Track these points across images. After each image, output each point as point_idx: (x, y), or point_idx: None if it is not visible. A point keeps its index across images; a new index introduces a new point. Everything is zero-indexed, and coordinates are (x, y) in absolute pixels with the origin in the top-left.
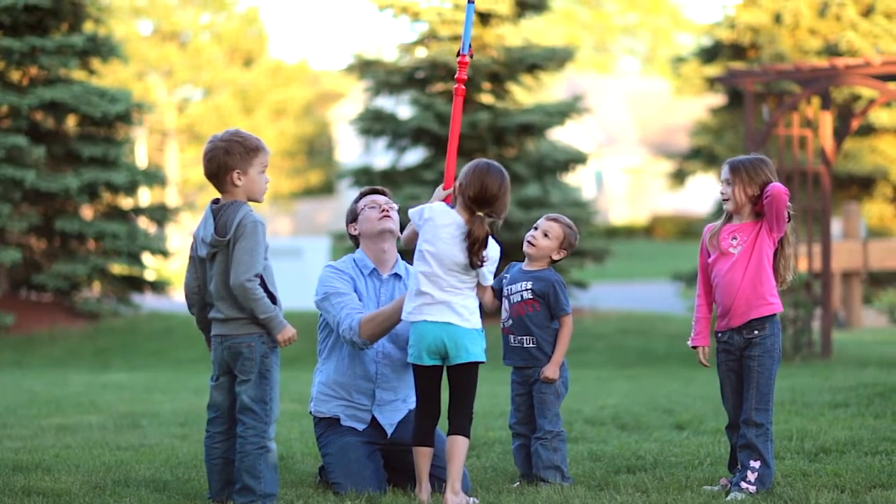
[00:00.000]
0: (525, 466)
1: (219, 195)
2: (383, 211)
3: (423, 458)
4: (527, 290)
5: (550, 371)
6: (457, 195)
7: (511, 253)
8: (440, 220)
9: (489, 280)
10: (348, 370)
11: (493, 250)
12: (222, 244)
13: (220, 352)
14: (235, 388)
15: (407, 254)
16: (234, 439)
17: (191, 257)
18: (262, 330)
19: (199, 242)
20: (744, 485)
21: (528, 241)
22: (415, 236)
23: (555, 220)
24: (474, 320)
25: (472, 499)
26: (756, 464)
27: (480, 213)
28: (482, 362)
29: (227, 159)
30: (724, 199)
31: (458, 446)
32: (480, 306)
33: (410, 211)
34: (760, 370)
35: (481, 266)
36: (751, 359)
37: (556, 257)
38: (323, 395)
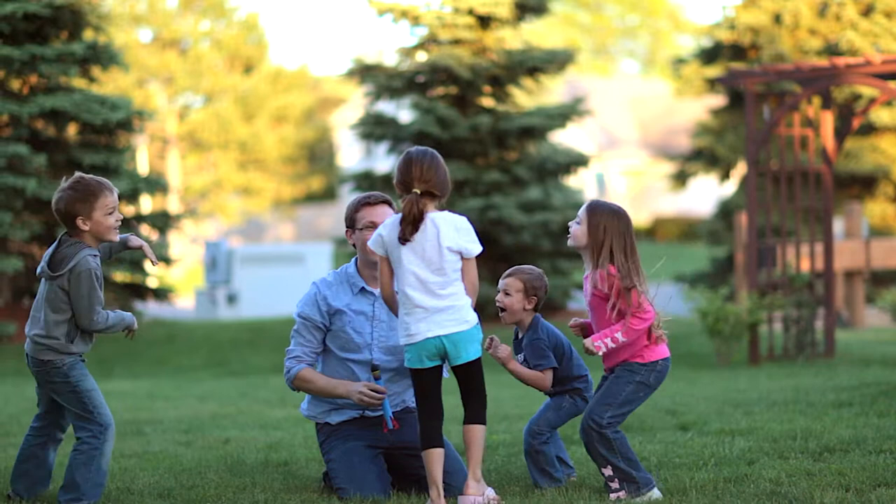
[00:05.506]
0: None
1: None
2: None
3: (434, 460)
4: (523, 361)
5: (510, 363)
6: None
7: (514, 256)
8: (391, 224)
9: (473, 252)
10: (339, 378)
11: (450, 220)
12: (51, 277)
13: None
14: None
15: None
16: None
17: None
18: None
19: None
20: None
21: (500, 308)
22: (390, 270)
23: (509, 275)
24: (471, 317)
25: (489, 489)
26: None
27: (417, 191)
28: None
29: (69, 207)
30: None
31: (476, 434)
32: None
33: (369, 244)
34: (614, 382)
35: (403, 241)
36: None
37: (528, 307)
38: (315, 399)
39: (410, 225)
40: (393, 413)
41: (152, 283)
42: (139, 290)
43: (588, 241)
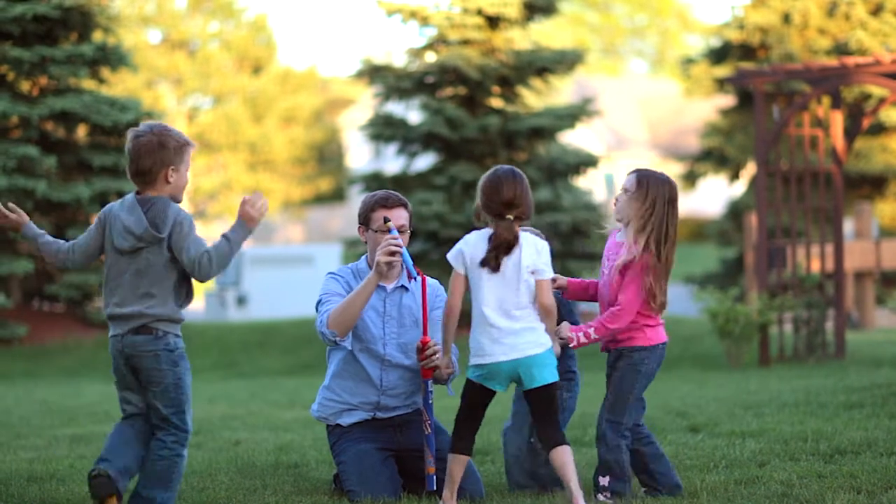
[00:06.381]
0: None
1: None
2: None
3: (458, 464)
4: None
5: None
6: (480, 213)
7: None
8: (475, 241)
9: (546, 274)
10: (352, 375)
11: (531, 241)
12: (157, 240)
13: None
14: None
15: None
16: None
17: (98, 231)
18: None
19: (122, 231)
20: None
21: None
22: (464, 287)
23: None
24: (545, 340)
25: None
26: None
27: (510, 216)
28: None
29: (162, 154)
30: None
31: (567, 454)
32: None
33: (449, 257)
34: (622, 379)
35: (495, 268)
36: (616, 369)
37: None
38: (326, 401)
39: (504, 252)
40: (403, 415)
41: None
42: None
43: (635, 214)
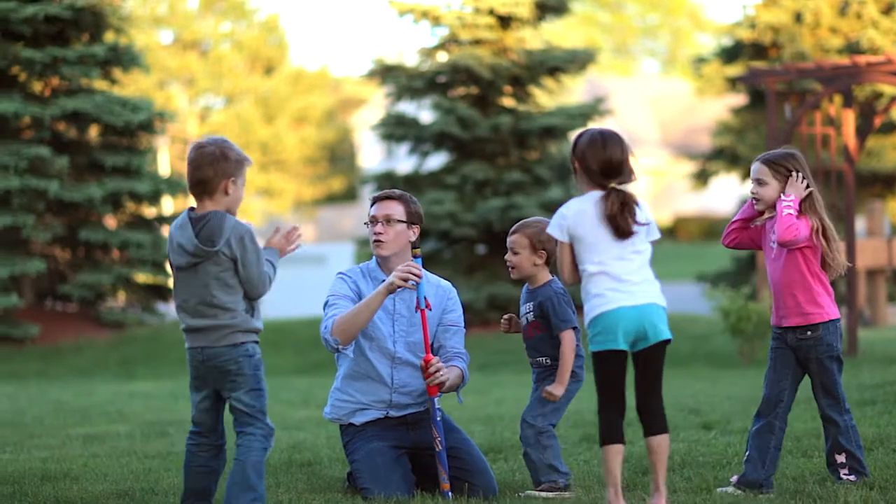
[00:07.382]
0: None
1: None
2: (376, 234)
3: (614, 456)
4: (530, 311)
5: (555, 389)
6: (577, 172)
7: None
8: (586, 208)
9: (657, 233)
10: (363, 374)
11: (645, 212)
12: (210, 255)
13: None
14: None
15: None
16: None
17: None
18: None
19: (176, 248)
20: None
21: (509, 268)
22: (572, 259)
23: (515, 231)
24: (662, 296)
25: None
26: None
27: (613, 185)
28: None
29: (224, 165)
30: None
31: (665, 444)
32: None
33: (549, 230)
34: (820, 368)
35: (630, 234)
36: (809, 361)
37: (538, 262)
38: (338, 402)
39: (623, 214)
40: (415, 413)
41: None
42: (161, 292)
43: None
